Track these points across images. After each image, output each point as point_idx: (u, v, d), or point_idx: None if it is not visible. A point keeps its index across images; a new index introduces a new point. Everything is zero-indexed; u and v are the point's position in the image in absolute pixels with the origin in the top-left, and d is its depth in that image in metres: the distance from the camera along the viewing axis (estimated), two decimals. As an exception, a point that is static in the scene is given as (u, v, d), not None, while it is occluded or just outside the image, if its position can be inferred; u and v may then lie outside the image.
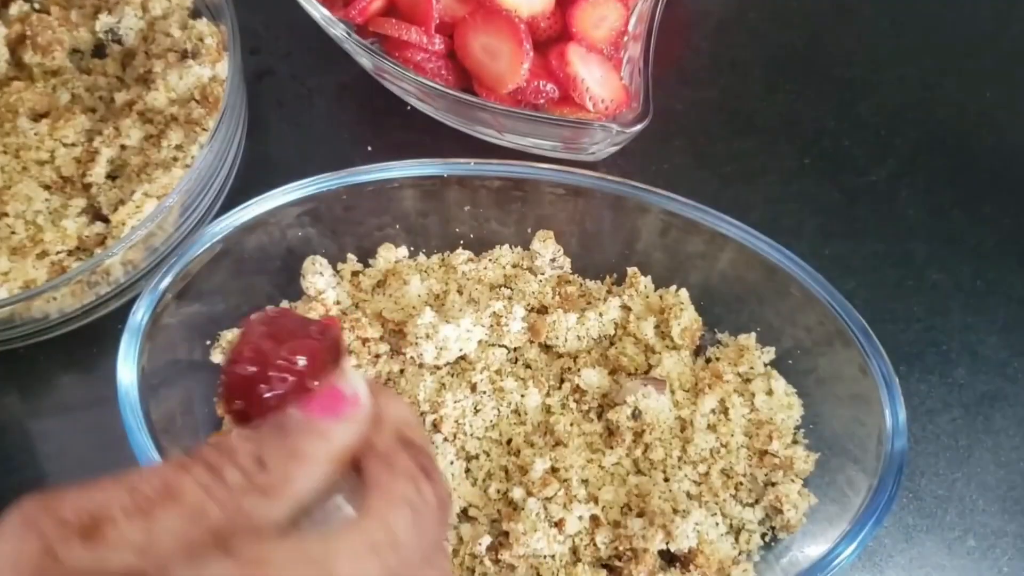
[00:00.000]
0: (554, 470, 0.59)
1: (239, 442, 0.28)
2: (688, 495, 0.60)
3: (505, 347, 0.65)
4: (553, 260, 0.67)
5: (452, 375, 0.63)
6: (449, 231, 0.69)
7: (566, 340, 0.64)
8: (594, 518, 0.58)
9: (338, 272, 0.68)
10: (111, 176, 0.70)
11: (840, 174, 0.78)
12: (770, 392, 0.63)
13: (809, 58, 0.84)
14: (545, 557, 0.57)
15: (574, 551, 0.58)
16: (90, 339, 0.67)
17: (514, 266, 0.68)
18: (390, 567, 0.27)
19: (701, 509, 0.58)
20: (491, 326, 0.64)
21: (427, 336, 0.61)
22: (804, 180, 0.77)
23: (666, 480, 0.60)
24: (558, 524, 0.57)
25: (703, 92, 0.82)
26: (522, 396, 0.62)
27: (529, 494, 0.58)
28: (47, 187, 0.68)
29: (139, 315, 0.58)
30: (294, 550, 0.26)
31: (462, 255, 0.69)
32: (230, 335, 0.63)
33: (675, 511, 0.58)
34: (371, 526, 0.28)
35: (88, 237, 0.66)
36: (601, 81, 0.71)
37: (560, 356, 0.65)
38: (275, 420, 0.29)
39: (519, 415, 0.62)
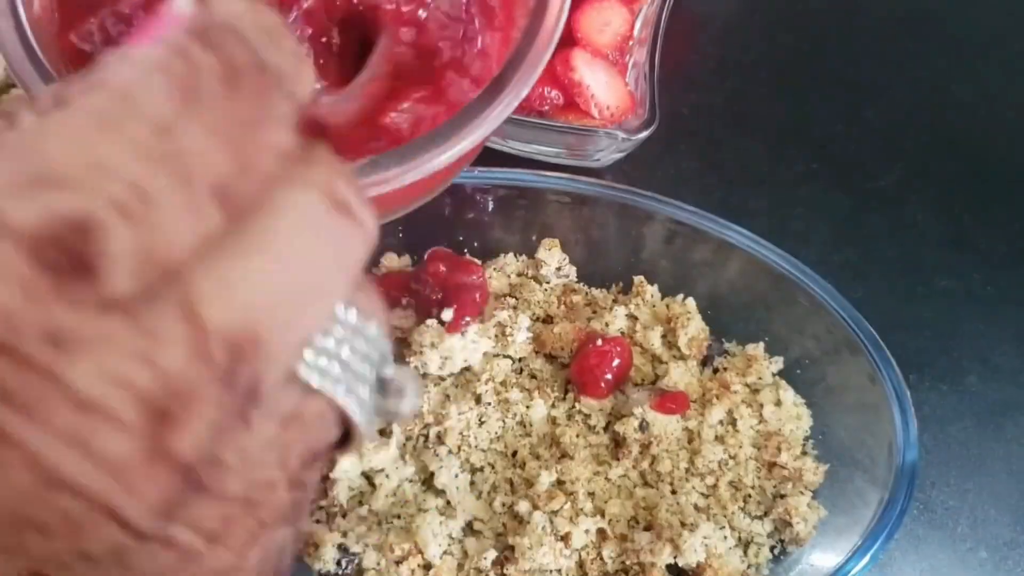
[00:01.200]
0: (560, 483, 0.58)
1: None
2: (696, 508, 0.59)
3: (510, 358, 0.64)
4: (559, 269, 0.67)
5: (456, 386, 0.63)
6: (453, 239, 0.68)
7: (571, 350, 0.64)
8: (601, 532, 0.58)
9: (341, 281, 0.67)
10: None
11: (849, 179, 0.77)
12: (778, 403, 0.62)
13: (816, 61, 0.83)
14: (551, 571, 0.57)
15: (580, 565, 0.57)
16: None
17: (519, 275, 0.68)
18: (139, 138, 0.20)
19: (709, 522, 0.58)
20: (496, 336, 0.63)
21: (432, 345, 0.61)
22: (812, 186, 0.77)
23: (674, 493, 0.59)
24: (564, 538, 0.57)
25: (709, 97, 0.81)
26: (527, 408, 0.61)
27: (535, 507, 0.57)
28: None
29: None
30: None
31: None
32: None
33: (683, 524, 0.57)
34: (92, 96, 0.20)
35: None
36: (606, 87, 0.70)
37: (565, 366, 0.64)
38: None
39: (524, 427, 0.62)
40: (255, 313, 0.20)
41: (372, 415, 0.25)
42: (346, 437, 0.25)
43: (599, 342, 0.62)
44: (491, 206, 0.67)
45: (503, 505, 0.59)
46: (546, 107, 0.71)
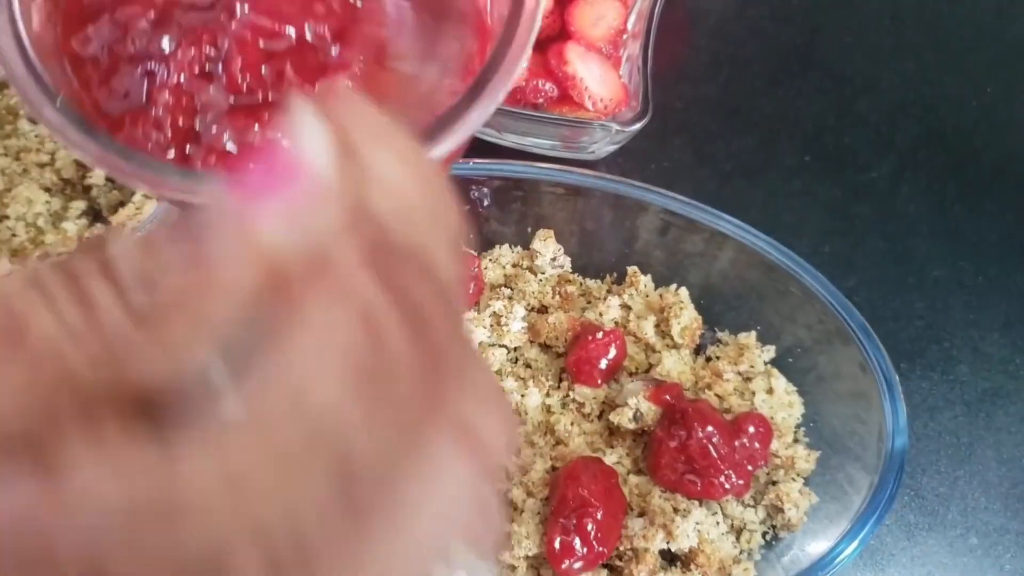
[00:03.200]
0: (554, 470, 0.59)
1: (119, 241, 0.18)
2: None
3: (505, 347, 0.65)
4: (553, 259, 0.67)
5: (452, 375, 0.63)
6: (449, 231, 0.69)
7: (566, 340, 0.64)
8: (595, 518, 0.58)
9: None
10: (111, 178, 0.70)
11: (841, 171, 0.78)
12: (770, 391, 0.63)
13: (809, 54, 0.84)
14: (546, 557, 0.57)
15: (575, 551, 0.58)
16: (91, 341, 0.67)
17: (514, 265, 0.68)
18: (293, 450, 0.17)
19: (702, 508, 0.58)
20: (491, 326, 0.64)
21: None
22: (804, 177, 0.77)
23: (667, 479, 0.60)
24: (559, 524, 0.57)
25: (702, 90, 0.82)
26: (522, 396, 0.62)
27: (529, 495, 0.58)
28: (47, 189, 0.68)
29: (139, 317, 0.58)
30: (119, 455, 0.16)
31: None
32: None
33: (676, 510, 0.58)
34: (267, 401, 0.17)
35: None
36: (600, 80, 0.71)
37: (560, 355, 0.65)
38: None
39: (519, 415, 0.62)
40: None
41: None
42: None
43: (599, 335, 0.62)
44: (486, 198, 0.67)
45: (498, 492, 0.59)
46: (541, 100, 0.72)
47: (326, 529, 0.17)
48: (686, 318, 0.65)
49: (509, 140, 0.73)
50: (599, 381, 0.63)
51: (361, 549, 0.18)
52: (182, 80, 0.35)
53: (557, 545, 0.55)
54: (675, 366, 0.64)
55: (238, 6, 0.36)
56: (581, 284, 0.68)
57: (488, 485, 0.20)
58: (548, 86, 0.71)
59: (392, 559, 0.18)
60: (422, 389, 0.18)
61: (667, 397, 0.60)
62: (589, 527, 0.54)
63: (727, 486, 0.57)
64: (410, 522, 0.19)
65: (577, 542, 0.55)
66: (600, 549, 0.55)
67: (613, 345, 0.62)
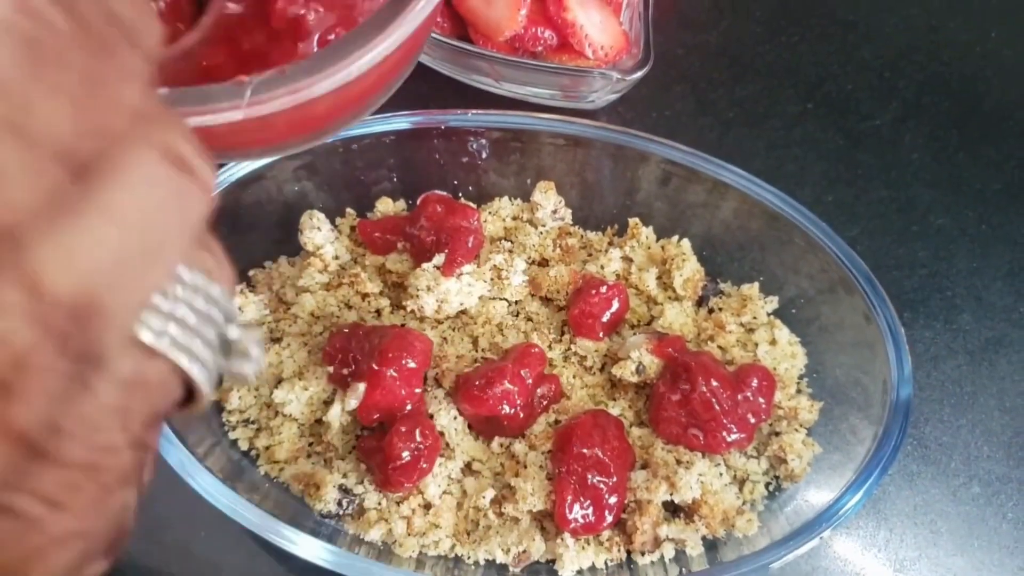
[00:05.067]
0: (557, 423, 0.59)
1: None
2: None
3: (506, 300, 0.64)
4: (554, 212, 0.67)
5: (453, 329, 0.63)
6: (448, 183, 0.68)
7: (567, 293, 0.64)
8: (598, 471, 0.58)
9: (336, 227, 0.67)
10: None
11: (843, 118, 0.77)
12: (773, 342, 0.62)
13: (810, 0, 0.83)
14: (551, 513, 0.57)
15: (578, 504, 0.58)
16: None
17: (514, 218, 0.68)
18: None
19: (704, 460, 0.58)
20: (492, 280, 0.63)
21: (428, 289, 0.61)
22: (807, 125, 0.76)
23: (670, 432, 0.60)
24: (562, 477, 0.57)
25: (703, 36, 0.80)
26: (524, 349, 0.62)
27: (532, 448, 0.58)
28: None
29: (135, 274, 0.57)
30: None
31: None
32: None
33: (678, 462, 0.58)
34: None
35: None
36: (600, 27, 0.69)
37: (561, 309, 0.65)
38: None
39: (521, 369, 0.62)
40: (94, 277, 0.19)
41: (215, 376, 0.25)
42: (190, 396, 0.25)
43: (603, 289, 0.62)
44: (485, 150, 0.66)
45: (501, 446, 0.59)
46: (539, 48, 0.70)
47: (34, 209, 0.18)
48: (688, 270, 0.64)
49: (507, 90, 0.72)
50: (601, 334, 0.62)
51: (70, 229, 0.19)
52: None
53: (571, 512, 0.54)
54: (677, 318, 0.63)
55: None
56: (582, 236, 0.68)
57: (195, 202, 0.22)
58: (547, 34, 0.69)
59: (107, 241, 0.20)
60: (94, 60, 0.20)
61: (670, 350, 0.59)
62: (605, 494, 0.54)
63: (730, 439, 0.57)
64: (120, 209, 0.20)
65: (590, 509, 0.54)
66: (610, 514, 0.55)
67: (616, 299, 0.62)
